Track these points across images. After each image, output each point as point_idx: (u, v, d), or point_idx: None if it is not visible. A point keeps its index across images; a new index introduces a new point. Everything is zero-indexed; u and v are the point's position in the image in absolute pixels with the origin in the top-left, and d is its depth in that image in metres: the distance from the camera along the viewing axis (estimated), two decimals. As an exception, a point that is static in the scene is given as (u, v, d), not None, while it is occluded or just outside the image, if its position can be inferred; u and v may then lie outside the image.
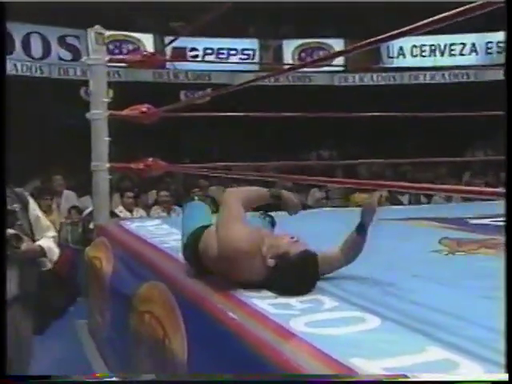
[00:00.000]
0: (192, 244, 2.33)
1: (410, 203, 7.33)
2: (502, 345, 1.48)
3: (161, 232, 3.67)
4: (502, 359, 1.38)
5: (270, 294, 2.04)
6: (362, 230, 2.23)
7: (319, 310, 1.84)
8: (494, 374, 1.14)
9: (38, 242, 2.72)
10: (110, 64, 4.51)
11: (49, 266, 2.79)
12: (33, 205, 2.80)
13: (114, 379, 1.83)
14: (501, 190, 1.19)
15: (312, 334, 1.61)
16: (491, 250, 2.83)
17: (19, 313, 2.67)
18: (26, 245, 2.60)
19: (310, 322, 1.72)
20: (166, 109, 4.51)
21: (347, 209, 5.92)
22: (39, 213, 2.84)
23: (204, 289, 2.18)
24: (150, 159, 4.35)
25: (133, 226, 4.01)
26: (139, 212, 6.58)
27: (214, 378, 1.68)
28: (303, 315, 1.78)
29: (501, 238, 3.10)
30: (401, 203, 7.23)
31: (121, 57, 5.87)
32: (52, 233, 2.88)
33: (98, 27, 4.25)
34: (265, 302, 1.92)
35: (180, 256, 2.76)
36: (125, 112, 4.37)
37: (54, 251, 2.79)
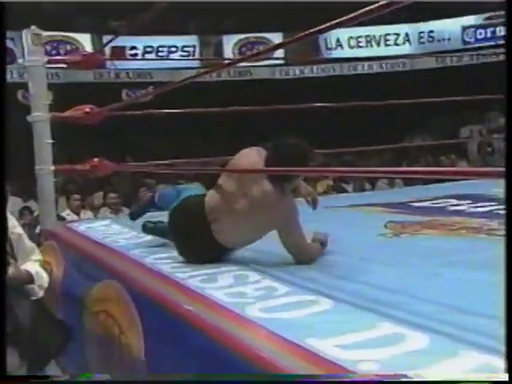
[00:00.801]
0: (194, 208, 2.48)
1: (354, 191, 7.49)
2: (447, 316, 1.58)
3: (111, 232, 3.66)
4: (448, 329, 1.47)
5: (224, 283, 2.09)
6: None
7: (273, 296, 1.89)
8: (494, 374, 1.21)
9: (22, 267, 2.26)
10: (48, 65, 4.44)
11: (40, 294, 2.40)
12: (12, 221, 2.28)
13: (113, 379, 1.85)
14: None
15: (267, 319, 1.67)
16: (432, 230, 2.95)
17: (13, 358, 2.25)
18: (13, 270, 2.11)
19: (265, 307, 1.77)
20: (109, 108, 4.47)
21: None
22: (21, 231, 2.35)
23: (158, 283, 2.21)
24: (96, 160, 4.31)
25: (82, 227, 3.97)
26: (87, 214, 6.52)
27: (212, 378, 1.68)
28: (257, 302, 1.83)
29: (440, 219, 3.26)
30: (346, 191, 7.39)
31: (60, 58, 5.77)
32: (37, 255, 2.43)
33: (34, 28, 4.18)
34: (220, 292, 1.97)
35: (132, 253, 2.78)
36: (67, 113, 4.30)
37: (43, 276, 2.36)
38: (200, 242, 2.44)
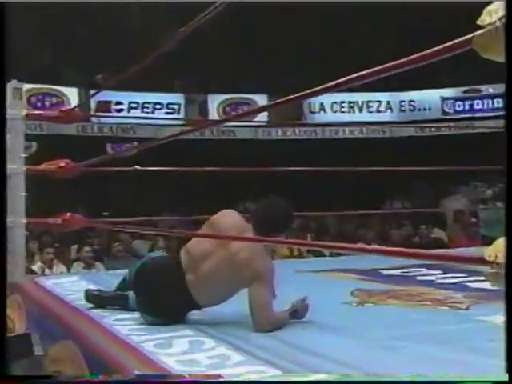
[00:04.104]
0: (167, 264, 2.56)
1: (331, 254, 7.48)
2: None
3: (77, 288, 3.60)
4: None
5: (178, 350, 2.06)
6: (294, 316, 2.47)
7: (224, 366, 1.87)
8: (493, 374, 1.18)
9: None
10: (28, 119, 4.48)
11: None
12: None
13: (114, 379, 1.81)
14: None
15: (214, 390, 1.64)
16: (397, 301, 2.95)
17: None
18: None
19: (214, 378, 1.75)
20: (85, 164, 4.49)
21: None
22: None
23: (112, 346, 2.18)
24: (68, 214, 4.30)
25: (48, 282, 3.92)
26: (60, 268, 6.44)
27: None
28: (208, 371, 1.81)
29: (407, 288, 3.26)
30: (323, 254, 7.38)
31: (38, 112, 5.81)
32: None
33: (14, 82, 4.23)
34: (172, 359, 1.94)
35: (92, 312, 2.74)
36: (42, 167, 4.32)
37: None
38: (174, 298, 2.44)
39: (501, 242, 0.94)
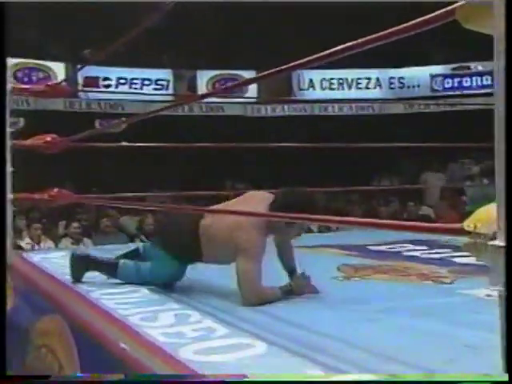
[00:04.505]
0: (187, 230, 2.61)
1: (319, 230, 7.52)
2: (372, 364, 1.58)
3: (64, 263, 3.60)
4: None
5: (164, 323, 2.08)
6: (289, 294, 2.46)
7: (210, 338, 1.89)
8: (493, 375, 1.18)
9: None
10: (14, 94, 4.43)
11: None
12: None
13: (114, 379, 1.83)
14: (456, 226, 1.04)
15: (199, 361, 1.66)
16: (384, 275, 2.98)
17: None
18: None
19: (200, 349, 1.76)
20: (72, 138, 4.46)
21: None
22: None
23: (99, 319, 2.19)
24: (55, 189, 4.28)
25: (36, 258, 3.92)
26: (47, 244, 6.43)
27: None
28: (194, 343, 1.82)
29: (393, 264, 3.29)
30: (311, 231, 7.41)
31: (24, 86, 5.73)
32: None
33: None
34: (158, 332, 1.95)
35: (79, 287, 2.75)
36: (28, 142, 4.28)
37: None
38: (187, 241, 2.57)
39: (480, 212, 0.94)
